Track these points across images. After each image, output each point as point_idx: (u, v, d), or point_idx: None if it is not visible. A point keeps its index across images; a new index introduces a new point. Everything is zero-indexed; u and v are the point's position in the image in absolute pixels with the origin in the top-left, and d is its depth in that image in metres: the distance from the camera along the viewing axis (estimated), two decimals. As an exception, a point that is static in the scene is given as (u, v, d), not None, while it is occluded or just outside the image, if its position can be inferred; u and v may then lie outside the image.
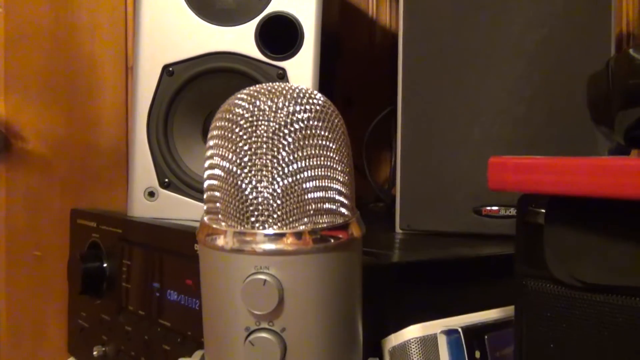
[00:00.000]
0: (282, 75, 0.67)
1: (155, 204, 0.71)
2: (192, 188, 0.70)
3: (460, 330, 0.43)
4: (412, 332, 0.43)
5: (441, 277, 0.50)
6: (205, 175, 0.36)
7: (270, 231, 0.33)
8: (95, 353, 0.75)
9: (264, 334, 0.34)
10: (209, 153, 0.35)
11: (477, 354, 0.43)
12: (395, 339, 0.44)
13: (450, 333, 0.43)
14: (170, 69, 0.70)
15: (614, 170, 0.30)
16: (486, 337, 0.44)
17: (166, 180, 0.71)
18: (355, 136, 0.93)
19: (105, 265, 0.74)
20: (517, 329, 0.38)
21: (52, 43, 0.83)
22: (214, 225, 0.35)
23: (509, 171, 0.35)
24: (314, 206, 0.34)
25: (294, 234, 0.33)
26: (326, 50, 0.70)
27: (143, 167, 0.71)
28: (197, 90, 0.70)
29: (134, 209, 0.72)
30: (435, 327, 0.43)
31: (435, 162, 0.64)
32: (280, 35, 0.68)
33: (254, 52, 0.68)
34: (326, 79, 0.75)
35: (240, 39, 0.68)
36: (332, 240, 0.34)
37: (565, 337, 0.35)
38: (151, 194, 0.71)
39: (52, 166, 0.84)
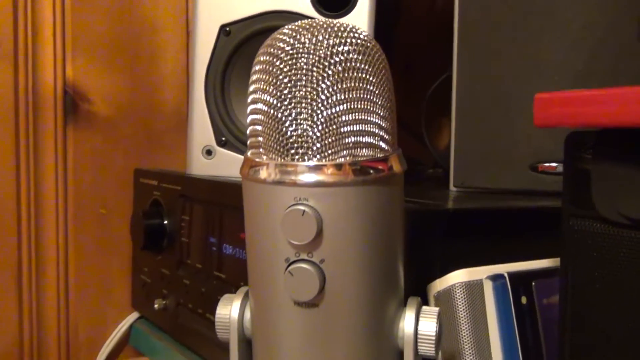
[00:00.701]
0: (337, 33, 0.67)
1: (212, 162, 0.73)
2: (248, 146, 0.71)
3: (506, 275, 0.42)
4: (458, 276, 0.43)
5: (490, 226, 0.50)
6: (248, 111, 0.36)
7: (310, 163, 0.34)
8: (156, 306, 0.78)
9: (303, 265, 0.34)
10: (251, 88, 0.36)
11: (524, 300, 0.42)
12: (440, 284, 0.43)
13: (496, 278, 0.42)
14: (227, 28, 0.71)
15: (663, 96, 0.29)
16: (534, 283, 0.43)
17: (223, 138, 0.72)
18: (414, 102, 0.93)
19: (165, 221, 0.77)
20: (563, 270, 0.37)
21: (116, 8, 0.85)
22: (256, 159, 0.35)
23: (555, 105, 0.34)
24: (353, 139, 0.34)
25: (334, 165, 0.33)
26: (383, 10, 0.69)
27: (201, 126, 0.73)
28: (254, 49, 0.70)
29: (193, 167, 0.74)
30: (481, 272, 0.43)
31: (491, 117, 0.63)
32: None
33: (309, 10, 0.68)
34: (384, 41, 0.75)
35: (296, -3, 0.69)
36: (372, 172, 0.34)
37: (612, 276, 0.34)
38: (208, 152, 0.73)
39: (117, 128, 0.86)
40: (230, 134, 0.72)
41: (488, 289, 0.42)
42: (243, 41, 0.70)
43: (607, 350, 0.34)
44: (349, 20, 0.67)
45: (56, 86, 0.81)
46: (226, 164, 0.72)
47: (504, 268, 0.43)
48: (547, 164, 0.60)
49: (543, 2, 0.61)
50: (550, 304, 0.43)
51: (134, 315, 0.89)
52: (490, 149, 0.63)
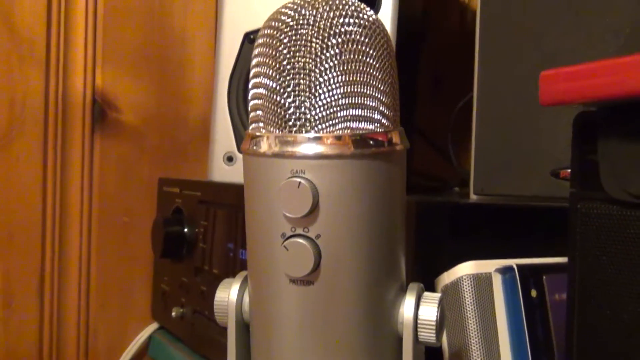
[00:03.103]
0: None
1: (233, 168, 0.73)
2: (268, 152, 0.71)
3: (515, 267, 0.41)
4: (466, 268, 0.41)
5: (500, 224, 0.48)
6: (250, 85, 0.36)
7: (309, 134, 0.33)
8: (173, 314, 0.77)
9: (298, 240, 0.34)
10: (253, 62, 0.36)
11: (534, 293, 0.41)
12: (448, 277, 0.42)
13: (505, 271, 0.41)
14: (252, 36, 0.71)
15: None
16: (545, 277, 0.41)
17: (244, 145, 0.72)
18: (443, 118, 0.92)
19: (185, 229, 0.77)
20: (571, 256, 0.35)
21: (146, 18, 0.87)
22: (257, 133, 0.35)
23: (560, 81, 0.33)
24: (352, 111, 0.33)
25: (334, 136, 0.33)
26: (408, 18, 0.69)
27: (223, 133, 0.73)
28: (276, 57, 0.71)
29: (214, 174, 0.74)
30: (490, 265, 0.41)
31: (512, 123, 0.61)
32: None
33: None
34: (409, 50, 0.75)
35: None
36: (372, 144, 0.33)
37: (621, 258, 0.33)
38: (230, 159, 0.73)
39: (143, 137, 0.88)
40: (251, 141, 0.72)
41: (497, 282, 0.41)
42: (266, 48, 0.71)
43: (616, 333, 0.32)
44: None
45: (85, 94, 0.83)
46: (246, 170, 0.72)
47: (514, 261, 0.42)
48: (568, 170, 0.58)
49: (565, 6, 0.60)
50: (562, 300, 0.41)
51: (154, 325, 0.88)
52: (511, 155, 0.61)
